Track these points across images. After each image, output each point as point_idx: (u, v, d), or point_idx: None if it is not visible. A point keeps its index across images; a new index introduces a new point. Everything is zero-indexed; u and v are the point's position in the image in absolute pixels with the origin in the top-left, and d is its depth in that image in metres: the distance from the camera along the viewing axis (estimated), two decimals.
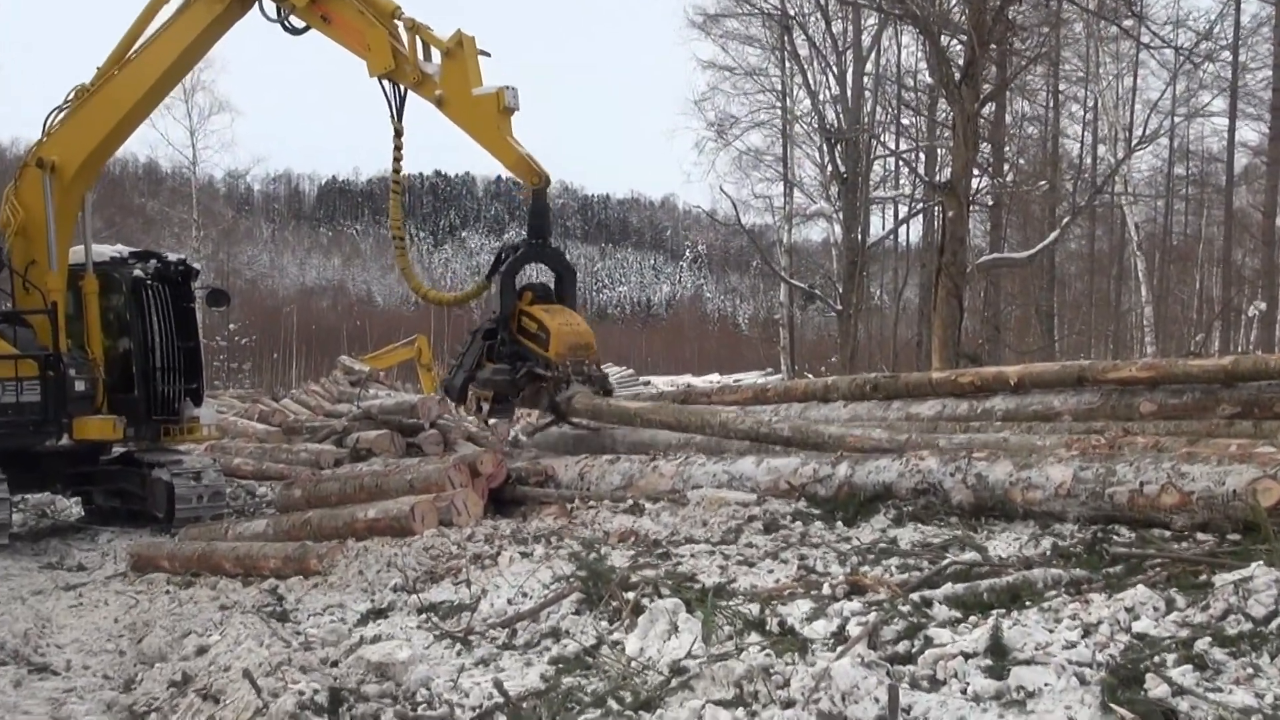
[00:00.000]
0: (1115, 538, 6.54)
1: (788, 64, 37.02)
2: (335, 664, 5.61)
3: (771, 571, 6.64)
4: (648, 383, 31.09)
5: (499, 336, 11.76)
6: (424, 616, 6.80)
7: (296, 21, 12.92)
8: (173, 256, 14.59)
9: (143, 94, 13.43)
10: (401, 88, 12.38)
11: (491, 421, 12.88)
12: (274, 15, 13.00)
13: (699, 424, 10.13)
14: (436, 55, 12.05)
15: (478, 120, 11.77)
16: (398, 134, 12.60)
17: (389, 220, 13.43)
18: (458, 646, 5.90)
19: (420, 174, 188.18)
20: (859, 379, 11.73)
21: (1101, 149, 36.82)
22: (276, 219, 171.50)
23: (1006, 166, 31.19)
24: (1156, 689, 3.85)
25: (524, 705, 4.61)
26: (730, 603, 5.66)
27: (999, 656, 4.36)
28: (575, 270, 12.43)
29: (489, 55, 12.03)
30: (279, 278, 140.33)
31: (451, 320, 79.68)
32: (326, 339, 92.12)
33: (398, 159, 12.76)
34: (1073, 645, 4.43)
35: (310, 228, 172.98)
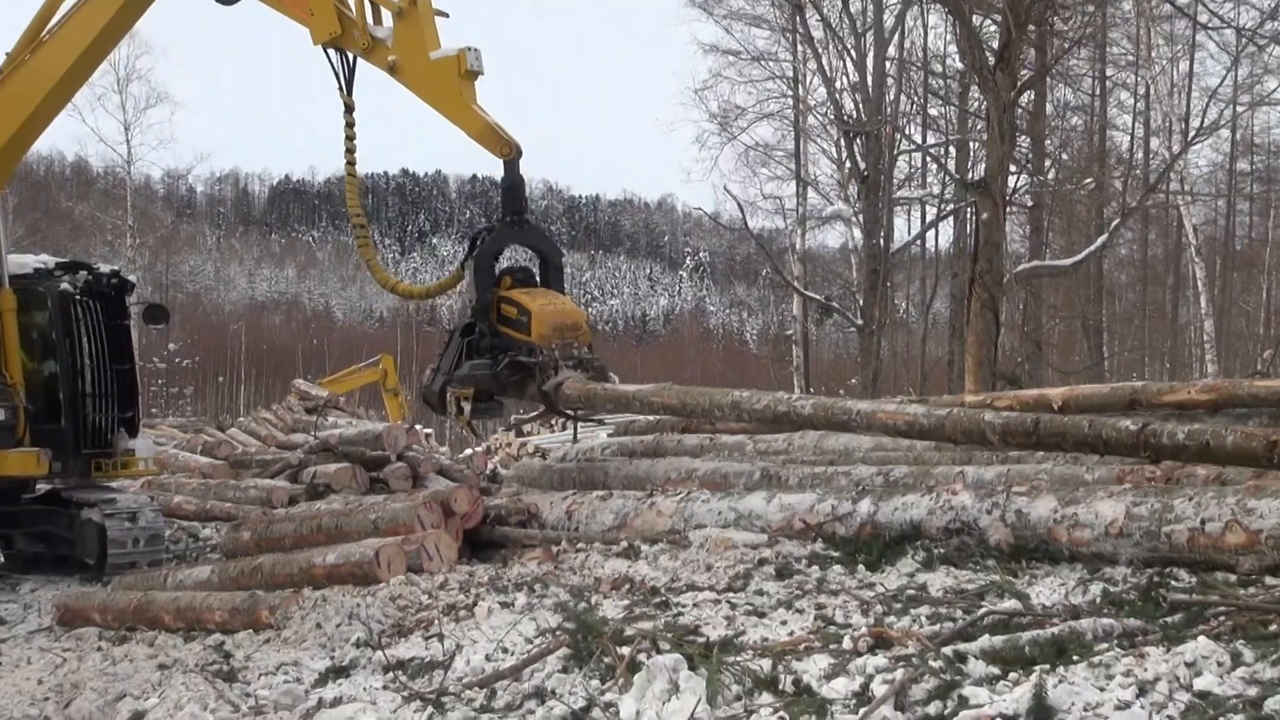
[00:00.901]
0: (1173, 583, 6.54)
1: (800, 48, 37.20)
2: None
3: (785, 623, 6.64)
4: None
5: (477, 330, 11.74)
6: (390, 676, 6.78)
7: None
8: (105, 268, 14.61)
9: (59, 79, 13.45)
10: (350, 56, 12.39)
11: (474, 423, 12.79)
12: None
13: (707, 406, 10.08)
14: (388, 18, 12.06)
15: (437, 87, 11.78)
16: (348, 109, 12.62)
17: (347, 209, 13.39)
18: (429, 710, 5.89)
19: (385, 173, 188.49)
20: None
21: (1155, 142, 37.04)
22: (222, 225, 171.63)
23: (1048, 162, 31.32)
24: None
25: None
26: (738, 658, 5.65)
27: (1043, 718, 4.36)
28: (561, 251, 12.43)
29: (447, 16, 12.04)
30: (225, 291, 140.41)
31: (422, 338, 79.80)
32: (279, 360, 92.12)
33: (350, 138, 12.76)
34: (1126, 706, 4.43)
35: (261, 234, 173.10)
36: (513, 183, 11.87)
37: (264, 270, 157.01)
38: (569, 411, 11.89)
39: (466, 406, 11.88)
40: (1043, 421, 7.68)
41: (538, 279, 12.07)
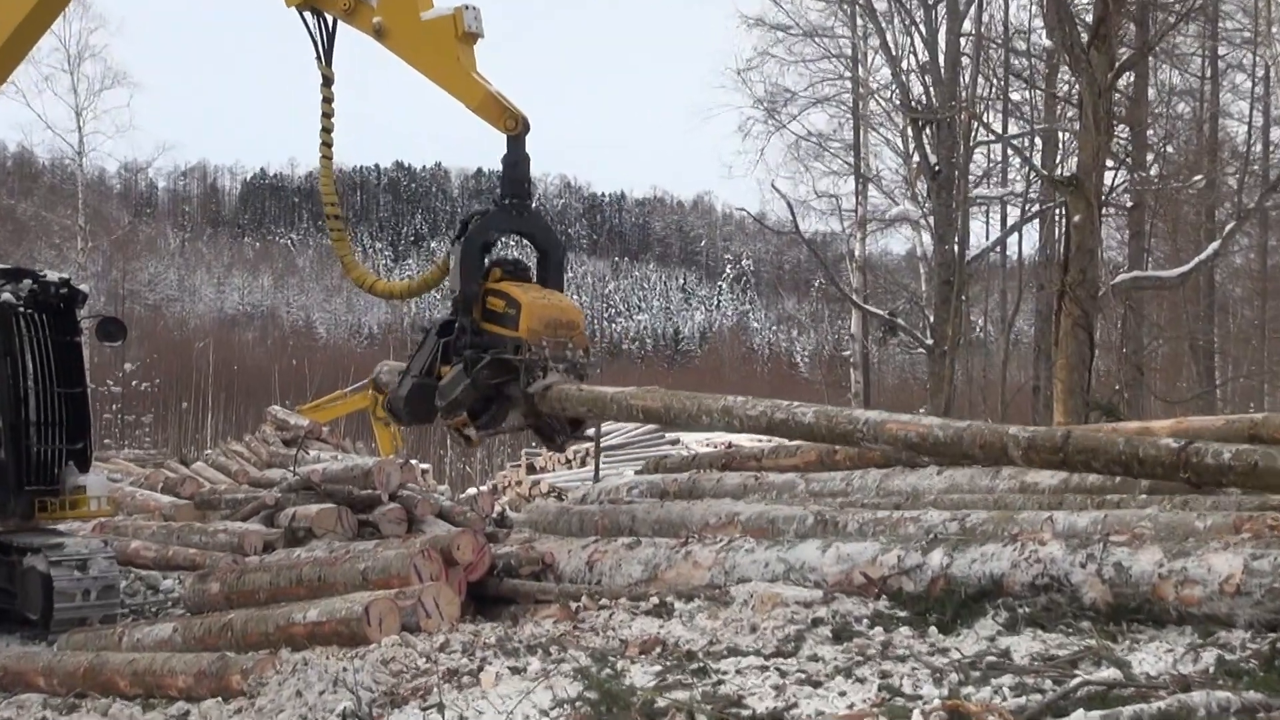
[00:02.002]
0: None
1: (860, 21, 37.30)
2: None
3: (843, 693, 6.62)
4: (676, 441, 30.99)
5: (457, 326, 11.73)
6: None
7: None
8: (53, 276, 14.67)
9: None
10: (329, 19, 12.45)
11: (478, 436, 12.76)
12: None
13: (694, 411, 10.10)
14: None
15: (430, 52, 11.79)
16: (326, 82, 12.66)
17: (320, 194, 13.41)
18: None
19: (376, 166, 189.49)
20: None
21: (1276, 133, 36.89)
22: (187, 226, 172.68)
23: (1150, 156, 31.25)
24: None
25: None
26: None
27: None
28: (563, 245, 12.42)
29: None
30: (190, 303, 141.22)
31: None
32: (252, 384, 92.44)
33: (327, 114, 12.80)
34: None
35: (232, 237, 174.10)
36: (515, 161, 11.85)
37: (235, 279, 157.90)
38: (554, 423, 11.83)
39: (471, 433, 11.90)
40: (1073, 437, 7.79)
41: (534, 276, 12.08)
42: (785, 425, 9.37)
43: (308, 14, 12.45)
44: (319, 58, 12.58)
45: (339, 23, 12.36)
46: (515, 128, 11.73)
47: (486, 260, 11.91)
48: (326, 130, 12.91)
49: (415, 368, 11.99)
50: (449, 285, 11.99)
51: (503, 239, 12.27)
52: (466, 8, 11.69)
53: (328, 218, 13.26)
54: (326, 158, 13.12)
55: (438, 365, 11.81)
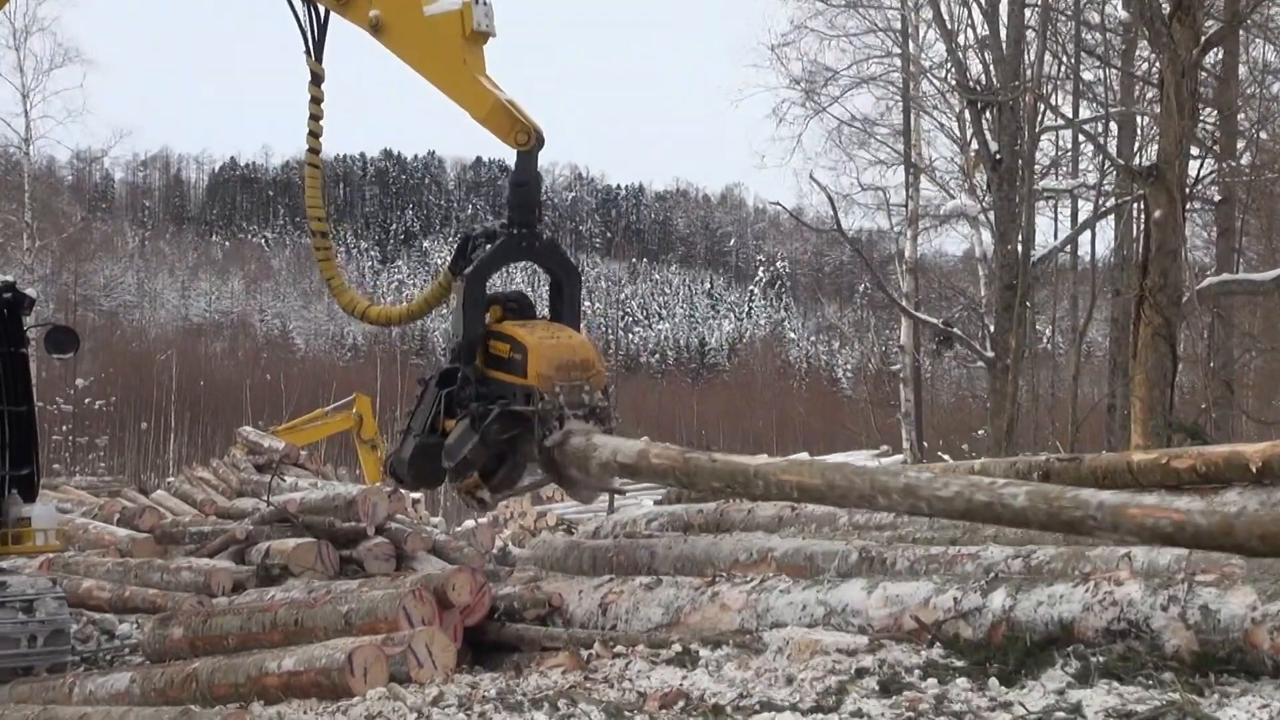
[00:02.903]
0: None
1: None
2: None
3: None
4: None
5: (460, 376, 11.73)
6: None
7: None
8: None
9: None
10: (320, 9, 12.47)
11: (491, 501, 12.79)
12: None
13: (865, 490, 9.54)
14: None
15: (433, 52, 11.78)
16: (315, 80, 12.69)
17: (306, 207, 13.43)
18: None
19: (362, 155, 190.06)
20: (1022, 463, 11.67)
21: None
22: (148, 223, 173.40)
23: (1241, 143, 31.17)
24: None
25: None
26: None
27: None
28: (580, 275, 12.41)
29: None
30: (151, 309, 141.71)
31: (408, 374, 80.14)
32: (221, 401, 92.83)
33: (315, 116, 12.82)
34: None
35: (198, 235, 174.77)
36: (525, 180, 11.83)
37: (202, 283, 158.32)
38: (578, 473, 11.77)
39: (485, 495, 11.91)
40: None
41: (544, 310, 12.08)
42: (989, 510, 8.89)
43: (298, 2, 12.49)
44: (308, 52, 12.59)
45: (331, 14, 12.38)
46: (527, 142, 11.70)
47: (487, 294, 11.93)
48: (314, 134, 12.91)
49: (417, 425, 11.98)
50: (449, 330, 12.01)
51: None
52: (476, 2, 11.62)
53: (313, 234, 13.28)
54: (314, 165, 13.14)
55: (441, 420, 11.82)
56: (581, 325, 12.39)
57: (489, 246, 11.86)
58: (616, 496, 15.68)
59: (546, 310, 12.33)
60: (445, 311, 12.55)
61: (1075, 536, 9.29)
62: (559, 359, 11.33)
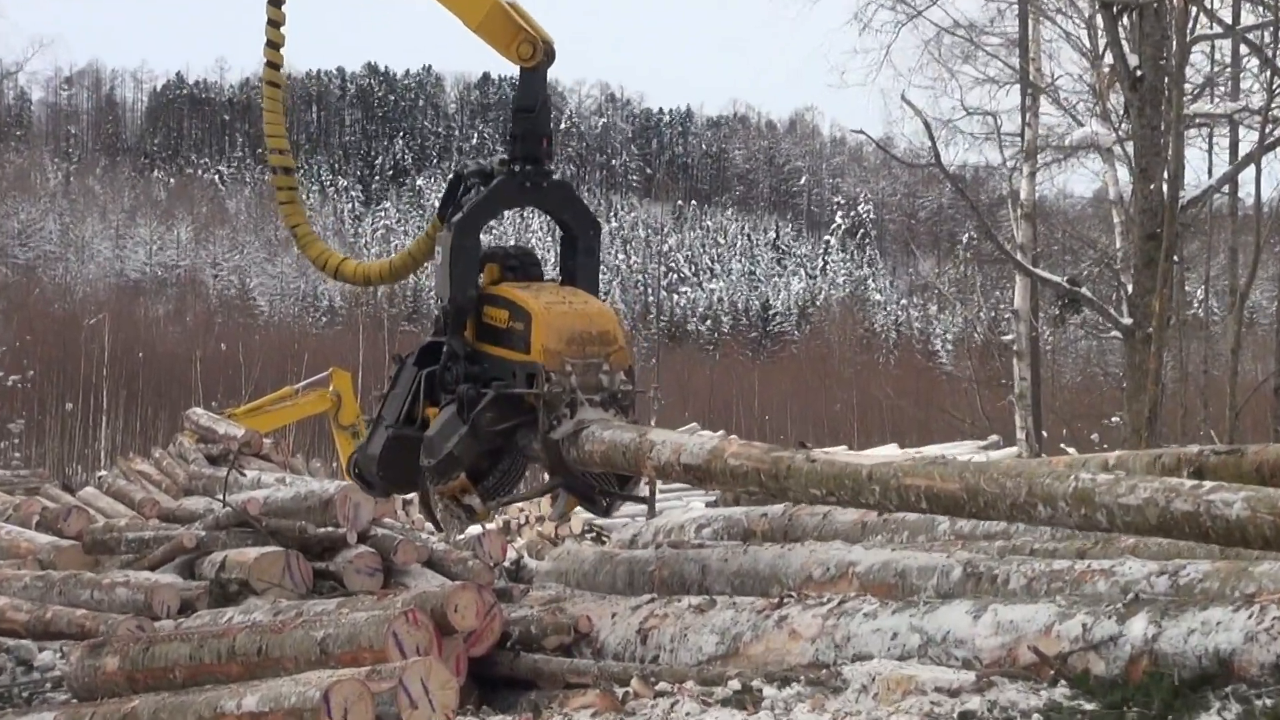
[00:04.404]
0: None
1: None
2: None
3: None
4: None
5: (446, 351, 11.74)
6: None
7: None
8: None
9: None
10: None
11: (484, 524, 12.81)
12: None
13: (1020, 497, 9.35)
14: None
15: None
16: None
17: (265, 136, 13.47)
18: None
19: (340, 71, 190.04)
20: (1168, 456, 11.64)
21: None
22: (74, 154, 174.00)
23: None
24: None
25: None
26: None
27: None
28: (599, 225, 12.40)
29: None
30: (78, 263, 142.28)
31: (398, 343, 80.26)
32: (165, 377, 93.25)
33: (275, 23, 12.89)
34: None
35: (136, 171, 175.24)
36: (531, 104, 11.84)
37: (141, 229, 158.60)
38: (594, 482, 11.77)
39: (474, 502, 11.85)
40: None
41: (553, 270, 12.07)
42: (1194, 523, 8.65)
43: None
44: None
45: None
46: (532, 57, 11.72)
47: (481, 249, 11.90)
48: (274, 45, 13.01)
49: (389, 413, 12.01)
50: (435, 291, 11.99)
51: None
52: None
53: (273, 170, 13.33)
54: (274, 83, 13.20)
55: (421, 408, 11.82)
56: (600, 289, 12.33)
57: (483, 185, 11.86)
58: (658, 497, 15.60)
59: (557, 272, 12.32)
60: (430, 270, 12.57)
61: (1237, 549, 9.27)
62: (571, 330, 11.30)
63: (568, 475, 11.49)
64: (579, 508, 13.47)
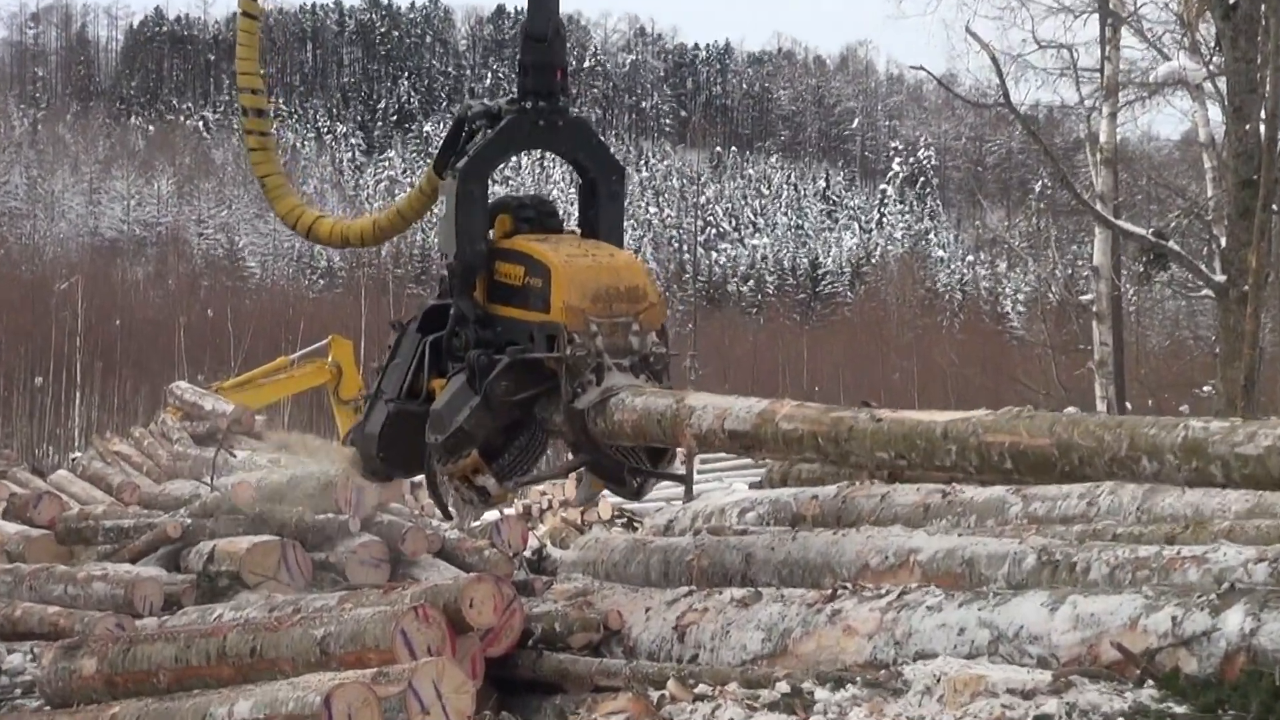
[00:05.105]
0: None
1: None
2: None
3: None
4: None
5: (453, 314, 11.72)
6: None
7: None
8: None
9: None
10: None
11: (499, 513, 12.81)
12: None
13: (1119, 450, 9.26)
14: None
15: None
16: None
17: (237, 76, 13.48)
18: None
19: (339, 3, 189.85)
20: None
21: None
22: (41, 99, 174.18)
23: None
24: None
25: None
26: None
27: None
28: (623, 170, 12.38)
29: None
30: (47, 220, 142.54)
31: (404, 307, 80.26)
32: (145, 347, 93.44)
33: None
34: None
35: (111, 117, 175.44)
36: (543, 31, 11.82)
37: (117, 182, 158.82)
38: (623, 459, 11.74)
39: (488, 483, 11.80)
40: None
41: (572, 221, 12.04)
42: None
43: None
44: None
45: None
46: None
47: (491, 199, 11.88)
48: None
49: (390, 386, 12.00)
50: (438, 245, 11.96)
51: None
52: None
53: (243, 112, 13.32)
54: (249, 14, 13.22)
55: (426, 380, 11.82)
56: (626, 242, 12.29)
57: (491, 125, 11.83)
58: (695, 478, 15.51)
59: (575, 224, 12.30)
60: (430, 223, 12.55)
61: None
62: (595, 285, 11.25)
63: (594, 451, 11.46)
64: (606, 490, 13.43)
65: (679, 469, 13.01)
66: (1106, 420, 9.36)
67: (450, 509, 12.55)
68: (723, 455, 32.11)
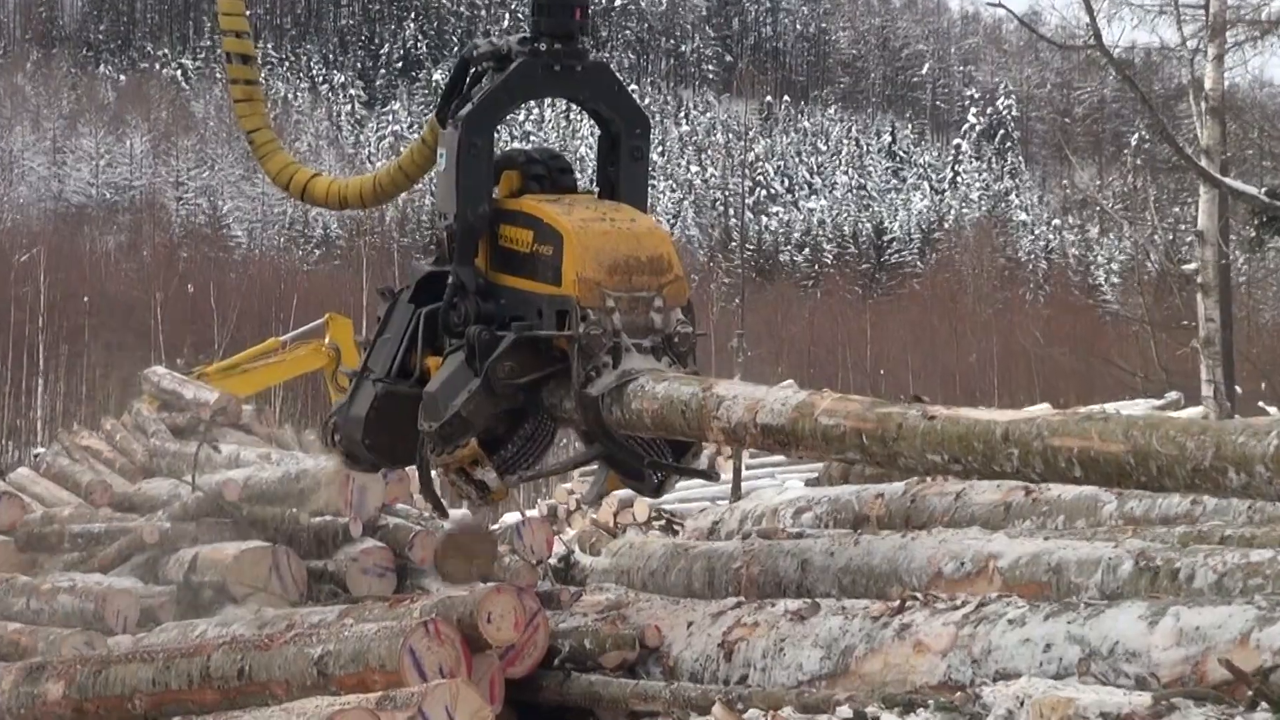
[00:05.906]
0: None
1: None
2: None
3: None
4: None
5: (451, 284, 11.77)
6: None
7: None
8: None
9: None
10: None
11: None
12: None
13: (1203, 459, 9.20)
14: None
15: None
16: None
17: (219, 18, 13.50)
18: None
19: None
20: None
21: None
22: (2, 45, 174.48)
23: None
24: None
25: None
26: None
27: None
28: (648, 121, 12.38)
29: None
30: (5, 185, 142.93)
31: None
32: (117, 327, 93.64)
33: None
34: None
35: (77, 65, 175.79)
36: None
37: (84, 140, 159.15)
38: (642, 452, 11.73)
39: (488, 477, 11.79)
40: None
41: (589, 180, 12.04)
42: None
43: None
44: None
45: None
46: None
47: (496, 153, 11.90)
48: None
49: (377, 364, 12.01)
50: (437, 207, 11.98)
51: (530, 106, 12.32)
52: None
53: (228, 58, 13.35)
54: None
55: (419, 358, 11.84)
56: (649, 204, 12.30)
57: (498, 70, 11.84)
58: (743, 474, 15.53)
59: (593, 182, 12.31)
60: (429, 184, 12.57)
61: None
62: (613, 255, 11.25)
63: (609, 442, 11.44)
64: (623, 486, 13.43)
65: (703, 463, 12.92)
66: (1189, 425, 9.08)
67: (443, 505, 12.60)
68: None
